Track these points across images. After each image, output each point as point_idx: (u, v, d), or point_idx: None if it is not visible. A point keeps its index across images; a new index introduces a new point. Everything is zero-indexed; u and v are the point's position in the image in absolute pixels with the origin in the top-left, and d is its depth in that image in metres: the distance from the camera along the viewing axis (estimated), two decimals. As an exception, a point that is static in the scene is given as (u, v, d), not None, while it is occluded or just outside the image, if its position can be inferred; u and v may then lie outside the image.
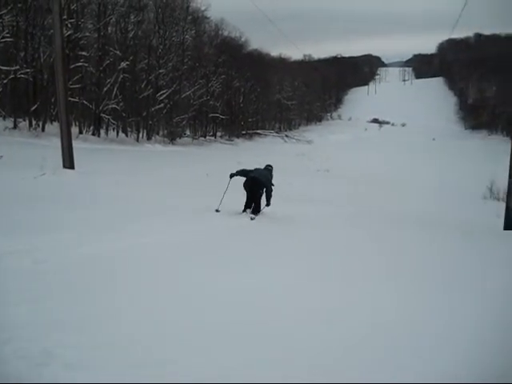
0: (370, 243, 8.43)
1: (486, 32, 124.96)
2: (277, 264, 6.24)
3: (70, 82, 32.33)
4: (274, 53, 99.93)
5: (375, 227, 10.65)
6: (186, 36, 53.15)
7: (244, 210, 10.48)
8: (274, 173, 11.63)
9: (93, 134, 38.66)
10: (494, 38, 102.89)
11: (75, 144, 17.00)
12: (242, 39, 71.05)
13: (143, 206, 9.34)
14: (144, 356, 3.39)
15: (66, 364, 3.17)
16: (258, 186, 10.58)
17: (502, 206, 14.62)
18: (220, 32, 63.99)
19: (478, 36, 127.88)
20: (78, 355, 3.30)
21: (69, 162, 15.26)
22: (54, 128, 30.32)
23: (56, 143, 15.93)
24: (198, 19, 56.28)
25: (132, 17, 44.14)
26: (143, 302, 4.45)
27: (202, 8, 56.13)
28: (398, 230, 10.51)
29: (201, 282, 5.17)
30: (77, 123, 38.67)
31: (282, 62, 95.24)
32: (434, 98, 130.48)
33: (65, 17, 31.13)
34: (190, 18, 54.16)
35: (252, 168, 11.27)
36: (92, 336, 3.62)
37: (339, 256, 7.09)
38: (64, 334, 3.61)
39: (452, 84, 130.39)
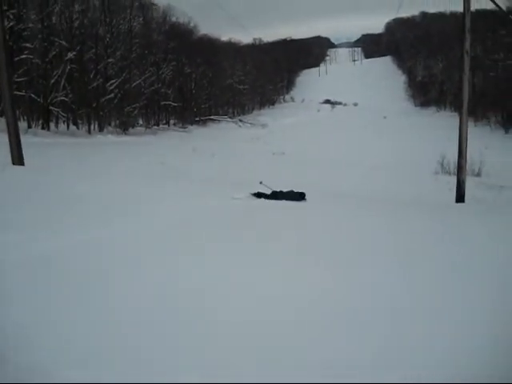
0: (321, 224, 8.47)
1: (432, 10, 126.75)
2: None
3: (16, 75, 31.39)
4: (224, 37, 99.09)
5: (328, 207, 10.75)
6: (134, 23, 52.34)
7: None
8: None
9: (42, 128, 37.75)
10: (439, 16, 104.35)
11: (24, 139, 16.53)
12: (191, 25, 70.48)
13: (100, 203, 9.15)
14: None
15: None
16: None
17: (453, 179, 14.97)
18: (168, 18, 63.28)
19: (424, 14, 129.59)
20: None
21: (18, 159, 14.82)
22: (0, 123, 29.44)
23: (3, 139, 15.44)
24: (144, 6, 55.49)
25: (76, 5, 43.11)
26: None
27: (149, -6, 55.30)
28: (349, 209, 10.61)
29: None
30: (25, 117, 37.70)
31: (232, 47, 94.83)
32: (384, 76, 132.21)
33: (5, 7, 30.12)
34: (136, 4, 53.36)
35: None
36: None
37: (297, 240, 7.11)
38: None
39: (401, 62, 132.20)
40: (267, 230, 7.59)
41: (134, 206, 9.01)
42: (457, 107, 56.45)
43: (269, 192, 12.02)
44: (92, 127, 43.51)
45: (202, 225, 7.79)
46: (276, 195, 11.79)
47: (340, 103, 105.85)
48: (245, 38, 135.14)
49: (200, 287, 4.76)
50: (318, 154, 32.88)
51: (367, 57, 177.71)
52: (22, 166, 14.58)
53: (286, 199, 11.41)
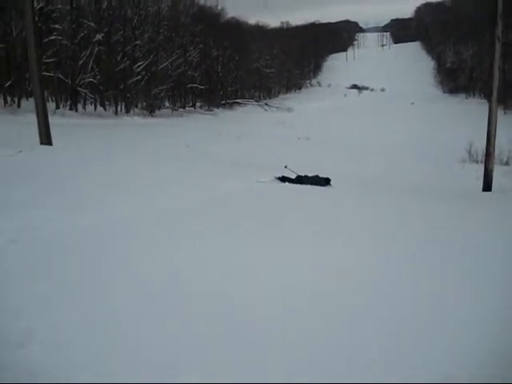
0: (346, 209, 8.44)
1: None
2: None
3: (44, 56, 31.71)
4: (252, 21, 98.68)
5: (359, 193, 10.69)
6: (162, 5, 52.24)
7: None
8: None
9: (70, 109, 38.11)
10: (471, 0, 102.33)
11: (52, 120, 16.71)
12: (219, 8, 70.16)
13: (127, 183, 9.22)
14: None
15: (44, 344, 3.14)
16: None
17: (481, 168, 14.75)
18: (196, 1, 63.05)
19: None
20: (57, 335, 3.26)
21: (46, 138, 15.00)
22: (29, 104, 29.77)
23: (32, 119, 15.62)
24: (173, -12, 55.33)
25: (105, -13, 43.20)
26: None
27: (177, -24, 55.13)
28: (381, 195, 10.54)
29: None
30: (53, 98, 38.09)
31: (259, 30, 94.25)
32: (413, 62, 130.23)
33: (35, -11, 30.30)
34: (165, -14, 53.22)
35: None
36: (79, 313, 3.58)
37: (334, 221, 7.10)
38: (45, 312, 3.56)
39: (430, 48, 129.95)
40: (291, 212, 7.59)
41: (160, 187, 9.05)
42: (486, 94, 55.48)
43: (293, 176, 11.99)
44: (119, 109, 43.78)
45: (227, 207, 7.81)
46: (301, 179, 11.75)
47: (367, 88, 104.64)
48: (272, 21, 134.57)
49: (223, 264, 4.77)
50: (344, 139, 32.63)
51: (396, 42, 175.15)
52: (49, 146, 14.76)
53: (311, 184, 11.37)
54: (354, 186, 12.28)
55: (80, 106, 40.26)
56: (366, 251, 5.60)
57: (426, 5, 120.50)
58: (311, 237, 6.20)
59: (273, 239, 5.99)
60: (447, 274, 4.93)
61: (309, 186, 10.97)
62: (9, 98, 32.29)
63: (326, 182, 11.59)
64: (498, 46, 13.68)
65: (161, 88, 48.64)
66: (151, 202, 7.63)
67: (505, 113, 51.65)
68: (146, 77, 46.64)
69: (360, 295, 4.29)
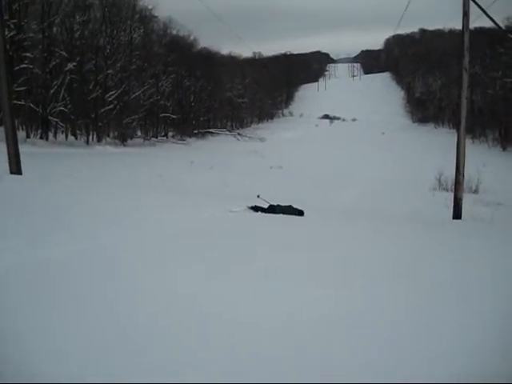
0: (317, 240, 8.50)
1: (430, 27, 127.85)
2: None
3: (15, 85, 31.50)
4: (224, 51, 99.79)
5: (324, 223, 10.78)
6: (134, 35, 52.60)
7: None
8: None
9: (41, 138, 37.85)
10: (438, 33, 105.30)
11: (22, 148, 16.55)
12: (191, 38, 70.86)
13: (98, 214, 9.16)
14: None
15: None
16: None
17: (451, 196, 15.03)
18: (168, 31, 63.63)
19: (423, 31, 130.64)
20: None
21: (16, 168, 14.83)
22: (-1, 132, 29.47)
23: (2, 148, 15.46)
24: (145, 18, 55.81)
25: (77, 16, 43.36)
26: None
27: (150, 7, 55.81)
28: (348, 225, 10.64)
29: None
30: (23, 127, 37.77)
31: (232, 60, 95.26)
32: (383, 92, 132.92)
33: (6, 17, 30.28)
34: (137, 16, 53.69)
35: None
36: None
37: (294, 253, 7.12)
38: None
39: (399, 78, 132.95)
40: (266, 240, 7.62)
41: (132, 216, 9.01)
42: (455, 124, 56.82)
43: (266, 206, 12.03)
44: (90, 138, 43.61)
45: (200, 236, 7.81)
46: (274, 209, 11.80)
47: (338, 118, 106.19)
48: (244, 51, 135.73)
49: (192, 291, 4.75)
50: (315, 168, 32.99)
51: (366, 72, 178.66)
52: (19, 176, 14.59)
53: (284, 213, 11.42)
54: (327, 216, 12.38)
55: (51, 135, 40.02)
56: (331, 289, 5.60)
57: (395, 36, 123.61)
58: (280, 272, 6.21)
59: (243, 272, 5.97)
60: (421, 303, 4.98)
61: (282, 216, 11.03)
62: (-23, 127, 31.90)
63: (299, 212, 11.65)
64: (465, 76, 14.09)
65: (133, 117, 48.67)
66: (123, 232, 7.58)
67: (473, 142, 52.97)
68: (118, 106, 46.63)
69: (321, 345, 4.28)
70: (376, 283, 5.60)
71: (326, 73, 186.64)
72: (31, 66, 36.54)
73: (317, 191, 20.53)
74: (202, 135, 64.40)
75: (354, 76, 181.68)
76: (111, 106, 45.50)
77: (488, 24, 16.41)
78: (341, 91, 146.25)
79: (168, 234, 7.79)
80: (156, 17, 58.63)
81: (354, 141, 61.13)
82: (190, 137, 60.49)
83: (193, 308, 4.53)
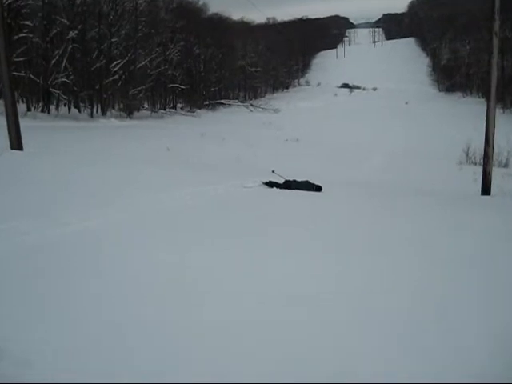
0: (345, 216, 8.49)
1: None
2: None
3: (14, 55, 31.50)
4: (236, 17, 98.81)
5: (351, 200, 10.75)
6: (140, 1, 52.11)
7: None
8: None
9: (42, 111, 37.88)
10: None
11: (23, 122, 16.61)
12: (201, 2, 70.25)
13: (102, 189, 9.20)
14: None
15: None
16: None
17: (479, 170, 14.87)
18: (176, -5, 63.08)
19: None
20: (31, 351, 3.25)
21: (16, 143, 14.89)
22: (-2, 106, 29.60)
23: (2, 122, 15.52)
24: (151, -18, 55.27)
25: (79, -19, 42.99)
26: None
27: (155, -30, 55.13)
28: (370, 201, 10.58)
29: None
30: (24, 99, 37.83)
31: (244, 26, 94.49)
32: (406, 59, 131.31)
33: (4, -17, 30.11)
34: (143, -20, 53.09)
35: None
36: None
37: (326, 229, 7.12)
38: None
39: (424, 44, 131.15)
40: (281, 219, 7.62)
41: (141, 193, 9.03)
42: (484, 93, 56.05)
43: (281, 181, 12.00)
44: (94, 111, 43.59)
45: (209, 215, 7.82)
46: (289, 185, 11.76)
47: (359, 87, 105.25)
48: (258, 17, 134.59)
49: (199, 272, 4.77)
50: (334, 141, 32.82)
51: (388, 38, 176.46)
52: (20, 151, 14.65)
53: (300, 189, 11.38)
54: (347, 191, 12.31)
55: (53, 108, 40.02)
56: (360, 266, 5.62)
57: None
58: (295, 247, 6.23)
59: (258, 248, 6.00)
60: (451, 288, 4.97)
61: (298, 192, 10.99)
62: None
63: (316, 188, 11.60)
64: (495, 41, 13.81)
65: (139, 88, 48.53)
66: (133, 208, 7.66)
67: (503, 112, 52.23)
68: (124, 76, 46.49)
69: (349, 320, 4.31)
70: (403, 259, 5.61)
71: (345, 39, 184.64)
72: (31, 35, 36.43)
73: (336, 165, 20.48)
74: (213, 107, 64.22)
75: (375, 42, 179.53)
76: (116, 77, 45.36)
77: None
78: (361, 58, 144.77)
79: (180, 210, 7.84)
80: (163, -20, 58.17)
81: (376, 111, 60.67)
82: (200, 108, 60.33)
83: (212, 289, 4.56)
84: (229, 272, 5.06)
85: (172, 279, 4.77)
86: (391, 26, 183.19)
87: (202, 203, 8.62)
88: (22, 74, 35.22)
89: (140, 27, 50.27)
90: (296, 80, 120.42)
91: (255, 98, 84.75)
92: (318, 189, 11.58)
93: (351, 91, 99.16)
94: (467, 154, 23.03)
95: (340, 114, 57.22)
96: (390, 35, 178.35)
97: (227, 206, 8.71)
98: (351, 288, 4.77)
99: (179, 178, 11.75)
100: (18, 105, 17.41)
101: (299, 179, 11.94)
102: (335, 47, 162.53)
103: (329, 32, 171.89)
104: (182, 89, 57.64)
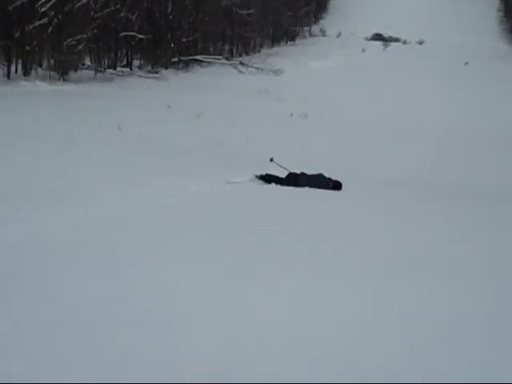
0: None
1: None
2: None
3: None
4: None
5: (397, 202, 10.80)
6: None
7: None
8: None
9: None
10: None
11: None
12: None
13: (33, 183, 9.23)
14: None
15: None
16: None
17: None
18: None
19: None
20: None
21: None
22: None
23: None
24: None
25: None
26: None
27: None
28: (410, 207, 10.64)
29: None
30: None
31: None
32: (466, 1, 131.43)
33: None
34: None
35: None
36: None
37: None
38: None
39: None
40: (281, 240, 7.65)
41: (81, 190, 9.06)
42: None
43: (284, 175, 12.01)
44: (13, 69, 43.45)
45: (174, 225, 7.85)
46: (295, 180, 11.77)
47: (397, 40, 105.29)
48: None
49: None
50: (361, 117, 32.82)
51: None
52: None
53: (311, 186, 11.39)
54: (378, 191, 12.33)
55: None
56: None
57: None
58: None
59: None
60: None
61: (307, 191, 11.00)
62: None
63: (334, 185, 11.61)
64: None
65: (78, 37, 48.37)
66: (72, 211, 7.71)
67: None
68: (56, 20, 46.31)
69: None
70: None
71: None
72: None
73: (363, 152, 20.49)
74: (186, 66, 64.08)
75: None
76: (45, 21, 45.19)
77: None
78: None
79: (133, 217, 7.85)
80: None
81: (422, 75, 60.64)
82: (167, 68, 60.20)
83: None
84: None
85: (107, 320, 4.85)
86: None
87: (159, 210, 8.62)
88: None
89: None
90: (306, 28, 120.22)
91: (247, 53, 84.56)
92: (336, 186, 11.61)
93: (386, 45, 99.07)
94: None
95: (369, 79, 57.16)
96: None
97: (199, 213, 8.69)
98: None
99: (131, 169, 11.75)
100: None
101: (309, 172, 11.95)
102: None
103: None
104: (141, 39, 57.48)
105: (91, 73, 50.75)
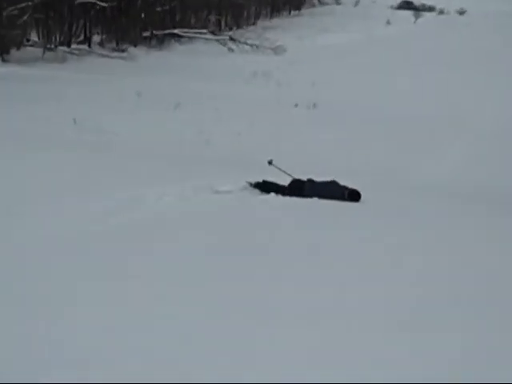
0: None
1: None
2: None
3: None
4: None
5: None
6: None
7: None
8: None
9: None
10: None
11: None
12: None
13: None
14: None
15: None
16: None
17: None
18: None
19: None
20: None
21: None
22: None
23: None
24: None
25: None
26: None
27: None
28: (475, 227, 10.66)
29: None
30: None
31: None
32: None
33: None
34: None
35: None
36: None
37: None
38: None
39: None
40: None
41: (17, 203, 9.06)
42: None
43: (286, 182, 12.03)
44: None
45: (147, 254, 7.83)
46: (301, 188, 11.79)
47: (432, 9, 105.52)
48: None
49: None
50: (384, 107, 32.87)
51: None
52: None
53: (321, 197, 11.41)
54: (408, 203, 12.34)
55: None
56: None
57: None
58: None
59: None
60: None
61: (317, 203, 11.01)
62: None
63: (351, 195, 11.62)
64: None
65: (22, 5, 48.48)
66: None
67: None
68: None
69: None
70: None
71: None
72: None
73: (386, 153, 20.50)
74: (160, 42, 64.06)
75: None
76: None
77: None
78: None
79: (84, 237, 7.83)
80: None
81: (463, 54, 60.75)
82: (136, 45, 60.19)
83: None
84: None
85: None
86: None
87: (119, 230, 8.58)
88: None
89: None
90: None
91: (238, 27, 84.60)
92: (354, 196, 11.62)
93: (417, 16, 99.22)
94: None
95: (395, 60, 57.19)
96: None
97: (172, 235, 8.62)
98: None
99: (86, 175, 11.75)
100: None
101: (318, 178, 11.97)
102: None
103: None
104: (103, 8, 57.53)
105: (39, 51, 50.72)
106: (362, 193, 11.52)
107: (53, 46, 53.09)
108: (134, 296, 6.37)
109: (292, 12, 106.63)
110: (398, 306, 6.73)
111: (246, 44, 63.64)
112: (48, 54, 50.59)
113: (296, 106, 31.44)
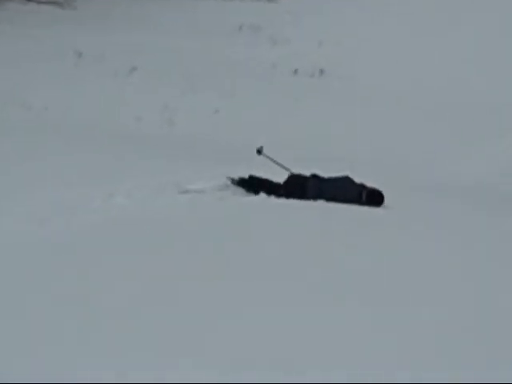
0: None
1: None
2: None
3: None
4: None
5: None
6: None
7: None
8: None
9: None
10: None
11: None
12: None
13: None
14: None
15: None
16: None
17: None
18: None
19: None
20: None
21: None
22: None
23: None
24: None
25: None
26: None
27: None
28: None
29: None
30: None
31: None
32: None
33: None
34: None
35: None
36: None
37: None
38: None
39: None
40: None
41: None
42: None
43: (281, 178, 12.02)
44: None
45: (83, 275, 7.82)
46: (302, 187, 11.76)
47: None
48: None
49: None
50: (416, 79, 32.96)
51: None
52: None
53: (330, 199, 11.39)
54: (448, 210, 12.37)
55: None
56: None
57: None
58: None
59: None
60: None
61: (325, 207, 11.00)
62: None
63: (368, 197, 11.62)
64: None
65: None
66: None
67: None
68: None
69: None
70: None
71: None
72: None
73: (422, 142, 20.57)
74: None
75: None
76: None
77: None
78: None
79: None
80: None
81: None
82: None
83: None
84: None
85: None
86: None
87: (52, 242, 8.54)
88: None
89: None
90: None
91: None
92: (374, 198, 11.62)
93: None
94: None
95: (438, 14, 57.26)
96: None
97: (124, 252, 8.56)
98: None
99: (13, 166, 11.76)
100: None
101: (326, 174, 11.96)
102: None
103: None
104: None
105: None
106: (384, 194, 11.50)
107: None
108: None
109: None
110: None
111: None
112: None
113: (295, 72, 31.49)
